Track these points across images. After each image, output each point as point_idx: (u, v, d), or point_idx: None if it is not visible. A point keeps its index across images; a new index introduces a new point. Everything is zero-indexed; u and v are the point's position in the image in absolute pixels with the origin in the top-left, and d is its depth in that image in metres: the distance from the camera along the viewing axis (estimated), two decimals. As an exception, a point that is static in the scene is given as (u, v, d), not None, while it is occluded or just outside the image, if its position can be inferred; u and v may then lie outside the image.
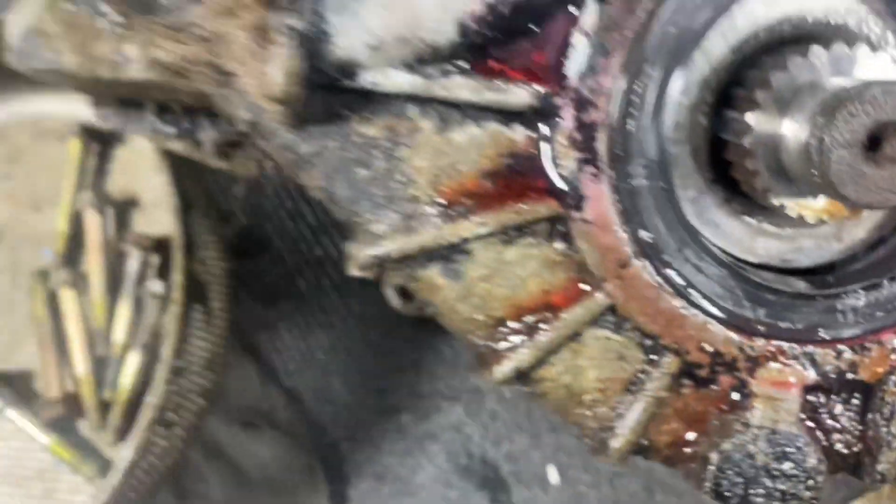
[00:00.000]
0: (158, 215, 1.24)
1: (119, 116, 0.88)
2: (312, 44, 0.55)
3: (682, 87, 0.61)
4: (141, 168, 1.26)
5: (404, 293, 1.00)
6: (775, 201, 0.61)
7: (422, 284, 0.64)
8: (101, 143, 1.28)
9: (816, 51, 0.58)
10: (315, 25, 0.54)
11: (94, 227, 1.24)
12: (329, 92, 0.58)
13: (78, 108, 1.27)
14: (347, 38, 0.56)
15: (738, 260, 0.66)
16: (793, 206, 0.61)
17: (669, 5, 0.57)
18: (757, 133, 0.59)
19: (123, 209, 1.27)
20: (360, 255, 0.63)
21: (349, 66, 0.57)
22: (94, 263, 1.23)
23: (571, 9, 0.57)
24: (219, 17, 0.54)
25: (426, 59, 0.57)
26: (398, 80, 0.58)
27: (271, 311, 1.40)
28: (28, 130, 1.33)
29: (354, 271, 0.65)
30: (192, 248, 1.12)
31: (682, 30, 0.58)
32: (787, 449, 0.62)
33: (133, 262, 1.22)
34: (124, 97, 0.85)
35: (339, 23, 0.55)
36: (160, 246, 1.22)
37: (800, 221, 0.63)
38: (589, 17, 0.57)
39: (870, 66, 0.60)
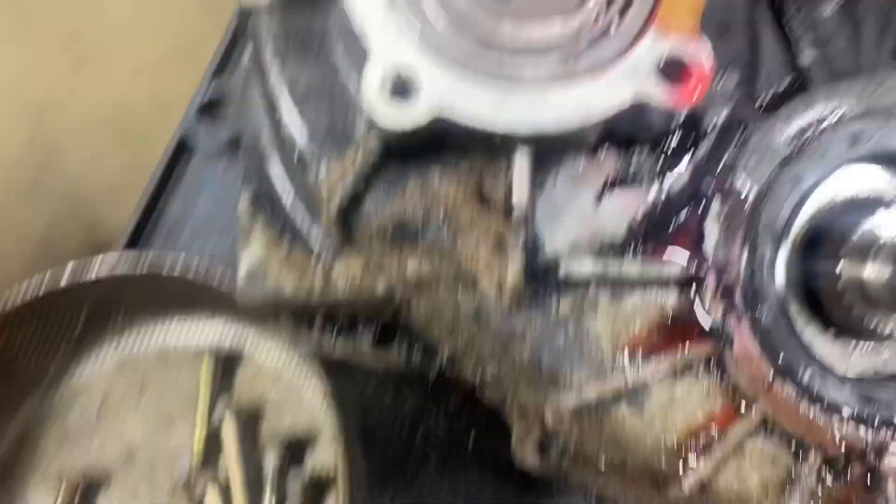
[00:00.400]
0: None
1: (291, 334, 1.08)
2: (532, 250, 0.76)
3: (785, 252, 0.83)
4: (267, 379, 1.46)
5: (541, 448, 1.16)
6: (869, 325, 0.81)
7: (612, 422, 0.82)
8: (225, 361, 1.48)
9: (881, 212, 0.81)
10: (532, 237, 0.76)
11: (231, 436, 1.40)
12: (537, 281, 0.78)
13: (198, 335, 1.49)
14: (553, 244, 0.77)
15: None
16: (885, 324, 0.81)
17: (767, 204, 0.80)
18: (846, 278, 0.81)
19: (253, 418, 1.45)
20: (561, 405, 0.81)
21: (553, 262, 0.78)
22: (234, 470, 1.38)
23: (701, 206, 0.80)
24: (468, 239, 0.75)
25: (604, 250, 0.79)
26: (585, 269, 0.79)
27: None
28: (154, 359, 1.52)
29: (549, 421, 0.83)
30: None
31: (778, 217, 0.81)
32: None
33: (271, 460, 1.39)
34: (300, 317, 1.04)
35: (548, 234, 0.77)
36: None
37: (886, 336, 0.84)
38: (714, 210, 0.80)
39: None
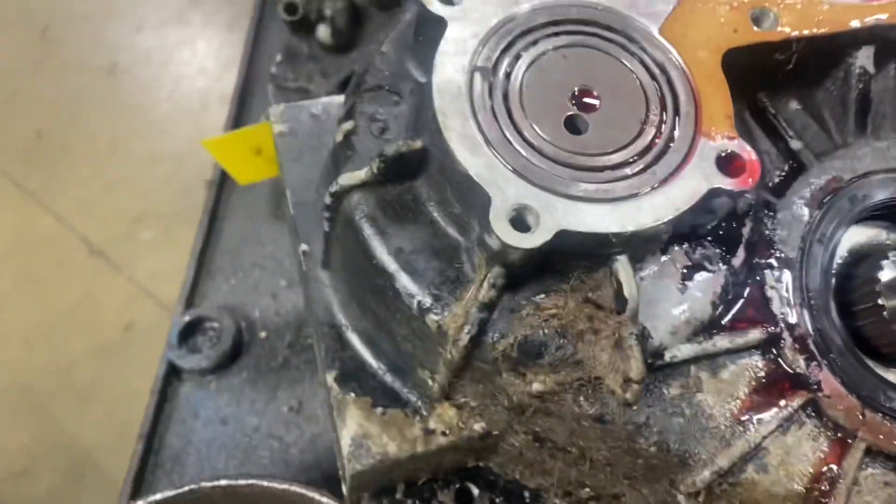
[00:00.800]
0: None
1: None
2: (643, 341, 0.85)
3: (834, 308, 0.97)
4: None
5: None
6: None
7: (744, 486, 0.89)
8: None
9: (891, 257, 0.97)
10: (642, 329, 0.85)
11: None
12: (650, 371, 0.87)
13: None
14: (657, 333, 0.87)
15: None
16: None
17: (807, 265, 0.94)
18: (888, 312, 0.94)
19: None
20: (697, 479, 0.88)
21: (660, 350, 0.87)
22: None
23: (758, 278, 0.94)
24: (587, 346, 0.84)
25: (697, 331, 0.90)
26: (686, 351, 0.89)
27: None
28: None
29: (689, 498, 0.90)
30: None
31: (818, 274, 0.95)
32: None
33: None
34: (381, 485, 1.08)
35: (652, 325, 0.87)
36: None
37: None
38: (769, 279, 0.94)
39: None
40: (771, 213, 0.95)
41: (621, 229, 0.77)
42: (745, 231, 0.92)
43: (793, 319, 0.92)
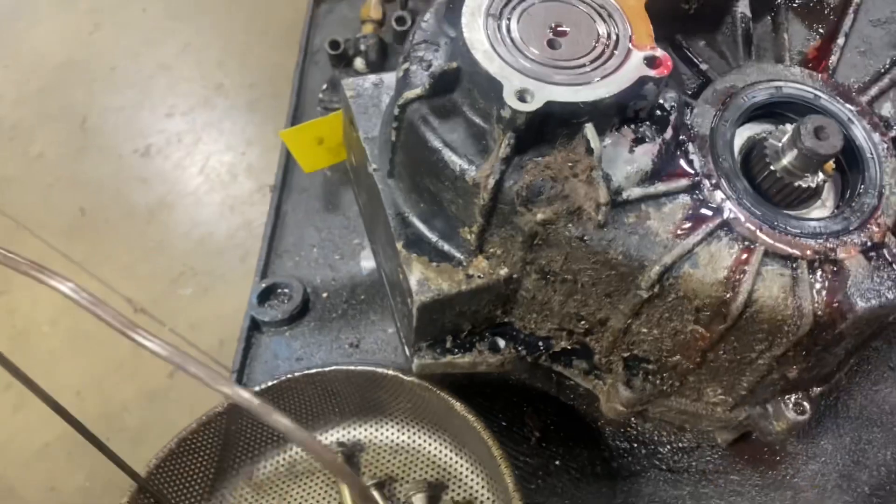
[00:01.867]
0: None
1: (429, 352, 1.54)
2: (607, 181, 1.31)
3: (736, 162, 1.44)
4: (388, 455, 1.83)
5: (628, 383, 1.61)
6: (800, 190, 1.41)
7: (683, 278, 1.33)
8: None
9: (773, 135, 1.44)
10: (605, 173, 1.31)
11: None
12: (614, 205, 1.33)
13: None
14: (616, 177, 1.33)
15: None
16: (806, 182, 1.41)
17: (717, 139, 1.42)
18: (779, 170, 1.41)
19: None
20: (651, 273, 1.33)
21: (618, 189, 1.33)
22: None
23: (683, 148, 1.40)
24: (570, 184, 1.30)
25: (643, 179, 1.36)
26: (636, 192, 1.35)
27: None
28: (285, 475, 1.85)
29: (643, 285, 1.34)
30: None
31: (724, 145, 1.42)
32: None
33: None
34: (440, 331, 1.51)
35: (612, 173, 1.33)
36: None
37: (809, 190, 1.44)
38: (691, 148, 1.40)
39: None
40: (689, 109, 1.43)
41: (586, 99, 1.25)
42: (672, 119, 1.40)
43: (708, 172, 1.38)
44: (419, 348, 1.56)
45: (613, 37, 1.34)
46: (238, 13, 5.13)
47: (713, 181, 1.37)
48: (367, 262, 2.30)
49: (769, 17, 1.54)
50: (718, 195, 1.36)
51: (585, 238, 1.32)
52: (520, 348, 1.59)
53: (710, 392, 1.56)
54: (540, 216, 1.32)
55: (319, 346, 2.13)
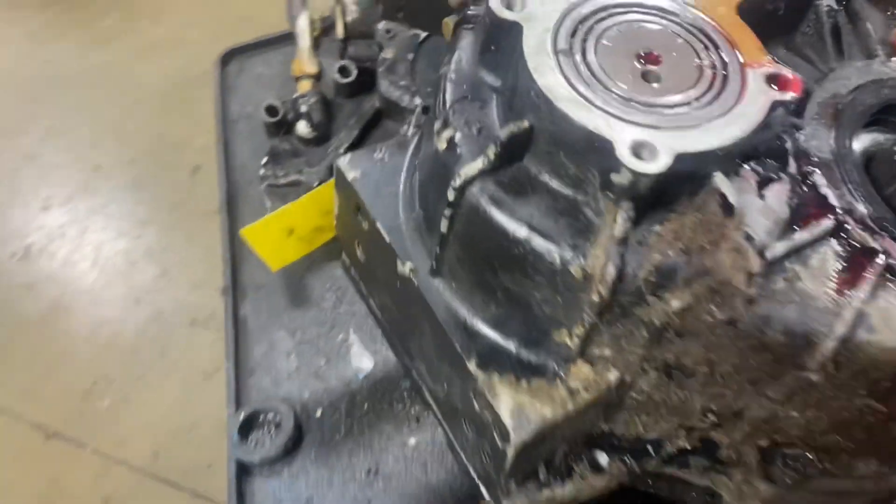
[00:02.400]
0: None
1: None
2: (752, 243, 1.00)
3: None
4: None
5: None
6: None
7: (859, 347, 1.03)
8: None
9: None
10: (748, 234, 1.00)
11: None
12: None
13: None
14: (757, 234, 1.02)
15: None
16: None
17: (842, 161, 1.13)
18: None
19: None
20: (825, 350, 1.02)
21: (762, 250, 1.02)
22: None
23: (810, 181, 1.11)
24: (710, 256, 0.98)
25: (783, 230, 1.06)
26: (780, 248, 1.04)
27: None
28: None
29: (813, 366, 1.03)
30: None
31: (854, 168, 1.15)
32: None
33: None
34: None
35: (750, 230, 1.02)
36: None
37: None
38: (819, 180, 1.12)
39: None
40: (800, 132, 1.14)
41: (722, 143, 0.93)
42: (789, 146, 1.10)
43: (848, 206, 1.09)
44: (508, 490, 1.19)
45: (716, 56, 1.03)
46: (102, 86, 4.61)
47: (857, 216, 1.08)
48: (361, 362, 1.91)
49: (841, 8, 1.27)
50: (869, 233, 1.07)
51: (736, 321, 1.00)
52: (626, 459, 1.25)
53: (863, 466, 1.27)
54: (676, 304, 0.99)
55: (329, 482, 1.72)
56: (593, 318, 1.01)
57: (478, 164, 1.00)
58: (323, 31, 2.18)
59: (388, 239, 1.19)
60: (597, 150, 0.93)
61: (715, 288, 0.98)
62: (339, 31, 2.06)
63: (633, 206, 0.94)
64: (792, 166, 1.09)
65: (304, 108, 2.03)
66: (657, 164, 0.89)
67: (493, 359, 1.10)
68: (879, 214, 1.10)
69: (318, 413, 1.84)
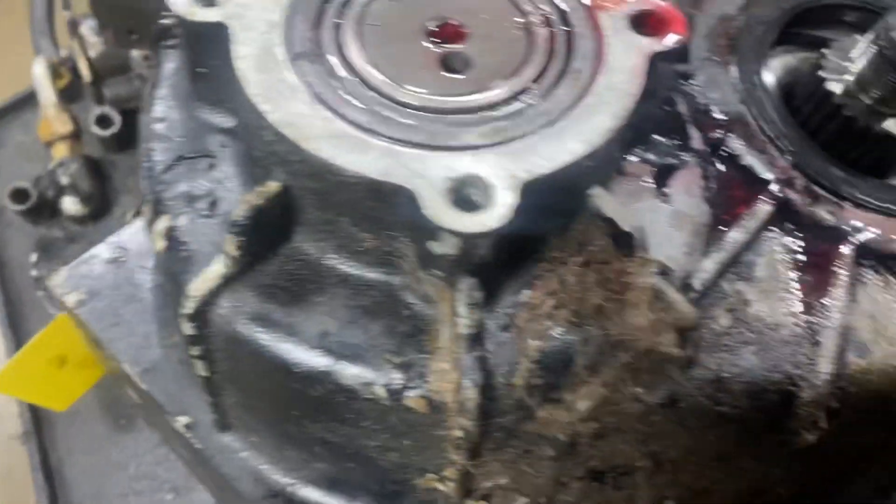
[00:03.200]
0: None
1: None
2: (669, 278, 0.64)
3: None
4: None
5: None
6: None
7: (855, 379, 0.69)
8: None
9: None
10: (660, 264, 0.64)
11: None
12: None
13: None
14: (674, 263, 0.66)
15: None
16: None
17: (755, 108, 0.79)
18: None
19: None
20: (811, 402, 0.67)
21: (686, 280, 0.67)
22: None
23: (723, 152, 0.76)
24: (616, 318, 0.61)
25: (708, 239, 0.70)
26: (710, 266, 0.69)
27: None
28: None
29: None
30: None
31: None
32: None
33: None
34: None
35: (664, 256, 0.66)
36: None
37: None
38: (739, 145, 0.77)
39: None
40: (691, 83, 0.78)
41: (591, 145, 0.56)
42: (683, 110, 0.75)
43: (785, 174, 0.75)
44: None
45: (547, 4, 0.65)
46: None
47: (799, 184, 0.74)
48: (219, 483, 1.47)
49: None
50: (823, 205, 0.73)
51: (677, 398, 0.64)
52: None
53: (866, 490, 0.95)
54: (584, 405, 0.62)
55: None
56: (463, 458, 0.62)
57: (216, 270, 0.60)
58: (73, 75, 1.70)
59: (143, 386, 0.77)
60: (395, 207, 0.54)
61: (635, 364, 0.62)
62: (85, 71, 1.58)
63: (478, 283, 0.55)
64: (694, 137, 0.74)
65: (65, 181, 1.56)
66: (496, 212, 0.51)
67: None
68: (827, 171, 0.76)
69: (177, 565, 1.40)
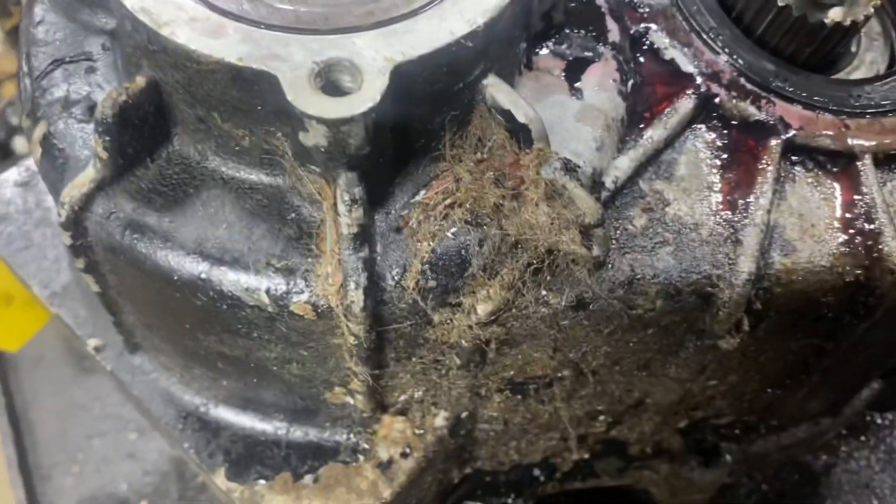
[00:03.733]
0: None
1: None
2: (573, 174, 0.60)
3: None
4: None
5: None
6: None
7: (779, 280, 0.66)
8: None
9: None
10: (565, 160, 0.60)
11: None
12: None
13: None
14: (582, 159, 0.62)
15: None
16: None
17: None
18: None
19: None
20: (731, 302, 0.64)
21: (596, 178, 0.63)
22: None
23: (646, 45, 0.72)
24: (514, 217, 0.58)
25: (622, 136, 0.66)
26: (625, 164, 0.65)
27: None
28: None
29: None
30: None
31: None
32: None
33: None
34: None
35: (571, 152, 0.62)
36: None
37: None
38: (660, 37, 0.72)
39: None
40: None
41: (470, 26, 0.52)
42: (602, 1, 0.70)
43: (711, 68, 0.70)
44: None
45: None
46: None
47: (726, 78, 0.70)
48: (183, 421, 1.46)
49: None
50: (750, 99, 0.69)
51: (585, 299, 0.61)
52: (509, 500, 0.87)
53: (816, 405, 0.93)
54: (484, 307, 0.59)
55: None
56: (363, 368, 0.60)
57: (88, 174, 0.57)
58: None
59: (52, 310, 0.75)
60: (262, 96, 0.50)
61: (538, 264, 0.59)
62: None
63: (357, 177, 0.52)
64: (612, 30, 0.69)
65: (15, 121, 1.52)
66: (364, 96, 0.47)
67: (252, 456, 0.69)
68: (757, 64, 0.72)
69: (144, 504, 1.40)
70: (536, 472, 0.89)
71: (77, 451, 1.49)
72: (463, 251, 0.57)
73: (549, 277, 0.60)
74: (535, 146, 0.56)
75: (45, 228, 0.79)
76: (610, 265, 0.63)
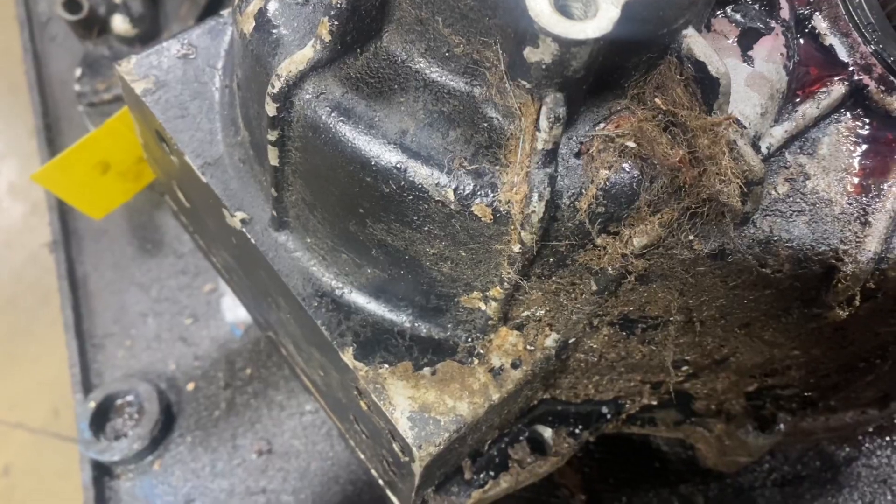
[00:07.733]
0: None
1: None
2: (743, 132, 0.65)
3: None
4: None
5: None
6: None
7: (898, 266, 0.72)
8: None
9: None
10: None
11: None
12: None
13: None
14: (747, 121, 0.67)
15: None
16: None
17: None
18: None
19: None
20: (851, 276, 0.70)
21: (755, 141, 0.68)
22: None
23: (808, 29, 0.76)
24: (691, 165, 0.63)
25: (780, 107, 0.71)
26: (779, 134, 0.70)
27: None
28: None
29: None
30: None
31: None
32: None
33: None
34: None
35: (738, 112, 0.67)
36: None
37: None
38: (822, 24, 0.77)
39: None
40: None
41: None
42: (777, -23, 0.74)
43: (865, 60, 0.75)
44: (424, 499, 0.87)
45: None
46: None
47: (878, 73, 0.74)
48: (237, 315, 1.53)
49: None
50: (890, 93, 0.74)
51: (727, 251, 0.67)
52: (575, 430, 0.94)
53: (871, 394, 0.99)
54: (640, 241, 0.64)
55: (213, 470, 1.38)
56: (515, 276, 0.65)
57: (306, 53, 0.61)
58: None
59: (203, 179, 0.79)
60: (497, 10, 0.55)
61: (695, 210, 0.64)
62: None
63: (564, 98, 0.57)
64: (784, 7, 0.73)
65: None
66: (598, 23, 0.52)
67: (378, 342, 0.75)
68: (905, 66, 0.76)
69: (191, 387, 1.47)
70: (604, 409, 0.95)
71: (131, 326, 1.55)
72: (635, 184, 0.62)
73: (700, 224, 0.66)
74: (718, 100, 0.61)
75: (201, 101, 0.84)
76: (752, 223, 0.68)
